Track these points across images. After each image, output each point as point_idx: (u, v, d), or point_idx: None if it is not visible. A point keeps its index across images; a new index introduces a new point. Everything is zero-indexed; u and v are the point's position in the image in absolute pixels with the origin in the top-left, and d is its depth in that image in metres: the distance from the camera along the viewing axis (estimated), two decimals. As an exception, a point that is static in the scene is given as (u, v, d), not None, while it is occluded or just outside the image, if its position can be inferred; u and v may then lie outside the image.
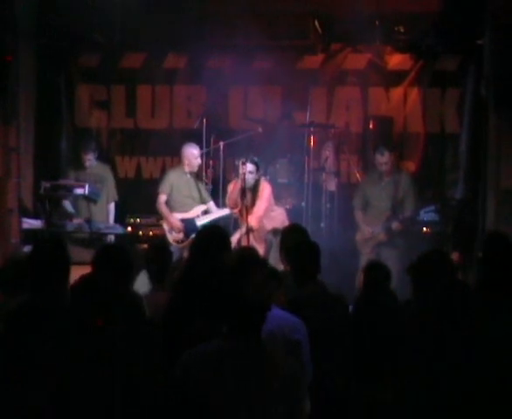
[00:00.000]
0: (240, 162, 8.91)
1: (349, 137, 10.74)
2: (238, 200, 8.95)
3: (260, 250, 8.30)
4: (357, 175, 10.39)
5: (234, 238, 8.57)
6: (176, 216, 9.40)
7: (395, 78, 10.65)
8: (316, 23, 10.30)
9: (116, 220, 10.06)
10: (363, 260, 8.95)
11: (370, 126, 10.45)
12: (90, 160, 9.98)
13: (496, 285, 4.60)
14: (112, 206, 10.12)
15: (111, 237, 9.44)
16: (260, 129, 10.10)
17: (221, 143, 9.86)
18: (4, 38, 8.58)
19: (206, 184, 9.98)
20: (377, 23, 9.99)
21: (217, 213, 9.42)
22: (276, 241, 8.42)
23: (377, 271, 5.57)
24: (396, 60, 10.61)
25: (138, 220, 10.20)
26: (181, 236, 9.33)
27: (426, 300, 4.28)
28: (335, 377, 4.56)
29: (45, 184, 9.07)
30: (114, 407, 3.68)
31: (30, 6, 9.67)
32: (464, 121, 10.32)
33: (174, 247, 9.02)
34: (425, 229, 9.38)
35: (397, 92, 10.64)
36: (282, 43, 10.49)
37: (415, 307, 4.59)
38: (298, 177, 10.00)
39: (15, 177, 9.04)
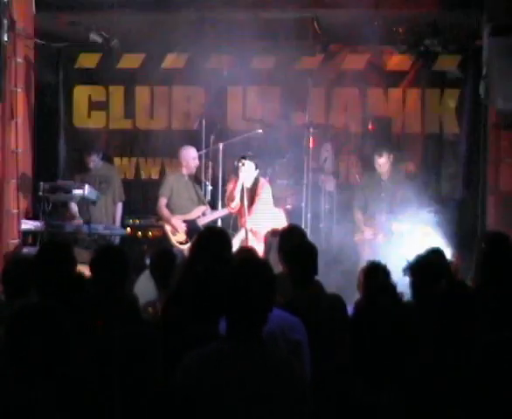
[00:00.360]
0: (240, 164, 8.90)
1: (348, 138, 10.76)
2: (237, 200, 8.95)
3: (260, 251, 8.29)
4: (356, 176, 10.40)
5: (234, 241, 8.55)
6: (178, 218, 9.38)
7: (394, 78, 10.67)
8: (315, 23, 10.30)
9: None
10: (363, 261, 8.95)
11: (369, 126, 10.47)
12: (94, 161, 9.95)
13: (496, 285, 4.61)
14: (119, 206, 10.06)
15: (115, 238, 9.42)
16: (259, 130, 10.10)
17: (220, 144, 9.86)
18: (4, 39, 8.58)
19: (206, 185, 9.97)
20: (375, 23, 9.98)
21: (218, 213, 9.40)
22: (275, 242, 8.41)
23: (376, 272, 5.57)
24: (395, 61, 10.62)
25: (137, 221, 10.20)
26: (184, 237, 9.32)
27: (425, 301, 4.28)
28: (334, 378, 4.58)
29: (44, 185, 9.06)
30: (114, 407, 3.68)
31: (29, 6, 9.65)
32: (463, 122, 10.33)
33: (177, 249, 9.02)
34: (424, 229, 9.37)
35: (395, 93, 10.65)
36: (281, 43, 10.48)
37: (414, 308, 4.59)
38: (297, 178, 10.01)
39: (13, 178, 9.03)
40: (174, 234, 9.37)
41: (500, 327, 4.22)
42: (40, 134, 10.43)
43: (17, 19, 8.90)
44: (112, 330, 3.93)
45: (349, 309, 5.21)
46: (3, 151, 8.78)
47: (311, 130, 10.00)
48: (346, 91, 10.83)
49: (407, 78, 10.61)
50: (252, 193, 8.96)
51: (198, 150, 9.73)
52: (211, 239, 5.12)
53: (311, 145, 9.96)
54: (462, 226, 9.49)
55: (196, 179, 9.76)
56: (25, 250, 8.63)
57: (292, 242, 5.64)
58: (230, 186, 9.17)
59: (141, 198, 10.49)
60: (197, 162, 9.57)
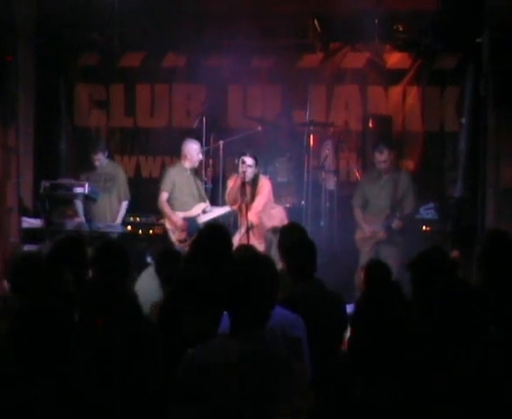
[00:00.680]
0: (240, 161, 8.91)
1: (349, 136, 10.75)
2: (238, 196, 8.95)
3: (260, 248, 8.29)
4: (357, 174, 10.40)
5: (234, 240, 8.56)
6: (179, 215, 9.38)
7: (394, 76, 10.66)
8: (315, 21, 10.31)
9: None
10: (363, 258, 8.96)
11: (370, 124, 10.46)
12: (100, 160, 9.97)
13: (498, 283, 4.61)
14: (124, 205, 10.07)
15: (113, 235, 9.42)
16: (260, 128, 10.11)
17: (221, 142, 9.86)
18: (4, 39, 8.59)
19: (206, 183, 9.97)
20: (376, 21, 9.99)
21: (218, 211, 9.40)
22: (276, 239, 8.42)
23: (377, 269, 5.58)
24: (395, 59, 10.61)
25: (138, 219, 10.19)
26: (184, 235, 9.32)
27: (425, 298, 4.28)
28: (333, 375, 4.58)
29: (45, 183, 9.08)
30: (114, 406, 3.68)
31: (29, 6, 9.67)
32: (463, 120, 10.32)
33: (177, 246, 9.02)
34: (424, 227, 9.39)
35: (396, 91, 10.64)
36: (281, 42, 10.49)
37: (415, 305, 4.59)
38: (297, 176, 10.01)
39: (14, 177, 9.04)
40: (173, 231, 9.37)
41: (500, 325, 4.23)
42: (41, 133, 10.46)
43: (17, 19, 8.90)
44: (112, 328, 3.93)
45: (350, 307, 5.22)
46: (4, 149, 8.79)
47: (311, 128, 10.01)
48: (346, 89, 10.83)
49: (407, 76, 10.60)
50: (253, 190, 8.97)
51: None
52: (212, 237, 5.12)
53: (311, 143, 9.97)
54: (462, 223, 9.49)
55: (197, 173, 9.73)
56: (26, 247, 8.63)
57: (291, 239, 5.65)
58: (230, 183, 9.17)
59: (142, 196, 10.47)
60: (200, 157, 9.56)
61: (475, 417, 3.60)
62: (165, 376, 3.76)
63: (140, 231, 10.13)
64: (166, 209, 9.41)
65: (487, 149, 8.82)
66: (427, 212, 9.17)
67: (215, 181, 10.03)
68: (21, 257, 5.60)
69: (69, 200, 9.52)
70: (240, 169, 8.88)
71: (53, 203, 9.23)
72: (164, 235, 9.51)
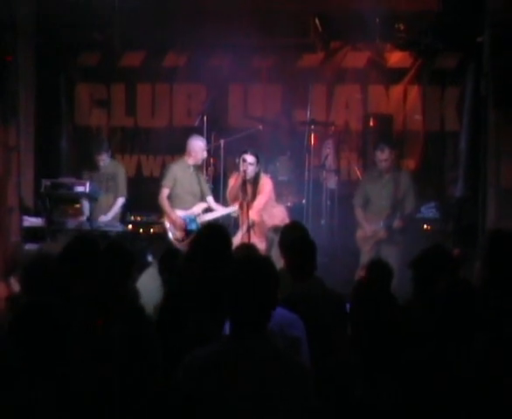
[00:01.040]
0: (241, 159, 8.91)
1: (349, 135, 10.77)
2: (239, 194, 8.94)
3: (261, 247, 8.29)
4: (357, 173, 10.41)
5: (236, 239, 8.56)
6: (178, 213, 9.36)
7: (395, 76, 10.67)
8: (316, 21, 10.31)
9: (120, 218, 10.03)
10: (364, 258, 8.97)
11: (370, 123, 10.47)
12: (104, 160, 9.98)
13: (499, 282, 4.61)
14: (119, 201, 10.04)
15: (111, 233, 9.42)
16: (261, 127, 10.10)
17: (221, 141, 9.84)
18: (4, 38, 8.59)
19: (207, 182, 9.96)
20: (376, 21, 9.99)
21: (218, 212, 9.36)
22: (277, 238, 8.42)
23: (378, 268, 5.58)
24: (395, 58, 10.63)
25: (138, 218, 10.17)
26: (182, 234, 9.30)
27: (428, 297, 4.29)
28: (333, 374, 4.58)
29: (46, 182, 9.09)
30: (114, 407, 3.68)
31: (29, 6, 9.66)
32: (464, 119, 10.33)
33: (175, 245, 9.01)
34: (425, 226, 9.39)
35: (396, 90, 10.66)
36: (282, 41, 10.49)
37: (416, 304, 4.59)
38: (298, 175, 10.01)
39: (15, 176, 9.04)
40: (171, 230, 9.34)
41: (501, 325, 4.23)
42: (42, 132, 10.46)
43: (17, 18, 8.90)
44: (112, 328, 3.93)
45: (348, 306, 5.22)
46: (5, 148, 8.79)
47: (312, 127, 10.01)
48: (347, 88, 10.84)
49: (408, 76, 10.61)
50: (254, 189, 8.97)
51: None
52: (211, 236, 5.11)
53: (312, 142, 9.98)
54: (463, 222, 9.49)
55: (199, 169, 9.68)
56: (27, 246, 8.64)
57: (292, 237, 5.65)
58: (231, 181, 9.17)
59: (143, 195, 10.47)
60: (205, 154, 9.52)
61: (475, 417, 3.60)
62: (165, 377, 3.75)
63: (141, 230, 10.11)
64: (166, 206, 9.38)
65: (487, 148, 8.82)
66: (428, 211, 9.18)
67: (216, 180, 10.02)
68: (35, 257, 5.60)
69: (70, 199, 9.52)
70: (241, 168, 8.87)
71: (54, 202, 9.23)
72: (165, 234, 9.49)
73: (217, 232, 5.20)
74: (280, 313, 4.35)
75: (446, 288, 3.90)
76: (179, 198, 9.39)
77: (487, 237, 5.76)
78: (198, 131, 9.96)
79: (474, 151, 9.71)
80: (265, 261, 3.51)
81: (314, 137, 10.01)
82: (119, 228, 9.56)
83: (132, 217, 10.13)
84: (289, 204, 9.73)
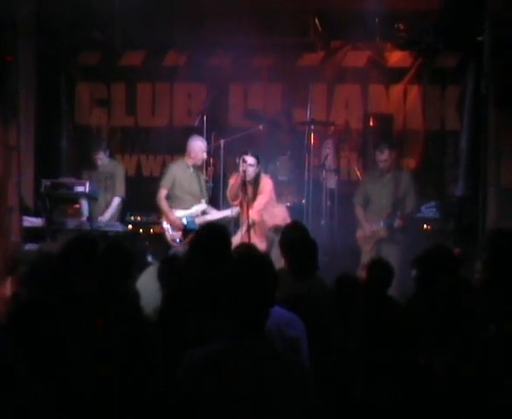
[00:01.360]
0: (241, 159, 8.90)
1: (350, 134, 10.77)
2: (239, 193, 8.94)
3: (262, 247, 8.29)
4: (357, 173, 10.41)
5: (236, 238, 8.54)
6: (177, 213, 9.34)
7: (395, 75, 10.67)
8: (316, 20, 10.32)
9: (118, 217, 10.02)
10: (364, 257, 8.97)
11: (370, 123, 10.46)
12: (102, 159, 9.97)
13: (500, 282, 4.60)
14: (115, 200, 10.03)
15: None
16: (261, 127, 10.10)
17: (221, 141, 9.83)
18: (4, 37, 8.58)
19: (207, 182, 9.95)
20: (376, 20, 9.99)
21: (217, 214, 9.34)
22: (277, 238, 8.41)
23: (379, 268, 5.57)
24: (396, 57, 10.63)
25: (138, 218, 10.18)
26: (180, 234, 9.29)
27: (429, 297, 4.28)
28: (333, 374, 4.58)
29: (46, 182, 9.08)
30: (114, 407, 3.68)
31: (29, 5, 9.66)
32: (464, 118, 10.33)
33: (172, 246, 9.01)
34: (425, 225, 9.39)
35: (397, 90, 10.65)
36: (282, 40, 10.50)
37: (418, 304, 4.59)
38: (298, 175, 10.01)
39: (15, 176, 9.03)
40: (168, 231, 9.33)
41: (501, 324, 4.22)
42: (42, 131, 10.45)
43: (17, 17, 8.90)
44: (112, 329, 3.93)
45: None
46: (5, 148, 8.78)
47: (312, 127, 10.00)
48: (347, 87, 10.84)
49: (408, 75, 10.61)
50: (255, 189, 8.96)
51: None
52: (211, 236, 5.11)
53: (312, 141, 9.96)
54: (464, 221, 9.49)
55: (199, 169, 9.66)
56: (27, 246, 8.63)
57: (293, 237, 5.65)
58: (232, 180, 9.18)
59: (143, 195, 10.45)
60: (205, 155, 9.51)
61: (475, 417, 3.60)
62: (165, 377, 3.75)
63: (140, 230, 10.12)
64: (164, 206, 9.37)
65: (487, 148, 8.82)
66: (429, 211, 9.17)
67: (216, 179, 10.02)
68: (36, 256, 5.60)
69: (70, 199, 9.51)
70: (241, 168, 8.87)
71: (54, 202, 9.22)
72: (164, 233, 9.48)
73: (216, 232, 5.19)
74: (279, 313, 4.35)
75: (446, 287, 3.90)
76: (178, 198, 9.39)
77: (487, 237, 5.77)
78: (198, 131, 9.95)
79: (475, 150, 9.70)
80: (263, 259, 3.51)
81: (314, 137, 10.01)
82: (119, 228, 9.55)
83: (132, 217, 10.14)
84: (289, 204, 9.73)
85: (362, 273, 6.11)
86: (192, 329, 4.24)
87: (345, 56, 10.79)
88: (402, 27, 10.17)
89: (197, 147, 9.39)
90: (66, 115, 11.15)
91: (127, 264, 4.97)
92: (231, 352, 3.28)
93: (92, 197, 9.35)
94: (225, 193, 9.40)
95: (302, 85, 10.49)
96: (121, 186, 10.08)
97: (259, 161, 8.96)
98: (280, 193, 9.56)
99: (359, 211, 9.51)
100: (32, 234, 9.02)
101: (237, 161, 9.17)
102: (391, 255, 8.44)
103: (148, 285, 5.86)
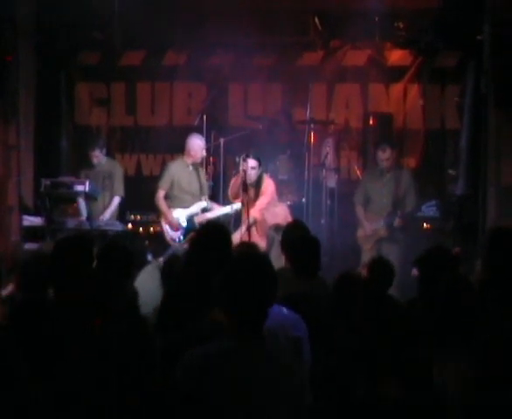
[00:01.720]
0: (241, 158, 8.91)
1: (349, 133, 10.77)
2: (240, 191, 8.94)
3: (262, 245, 8.29)
4: (357, 172, 10.41)
5: (236, 236, 8.55)
6: (175, 214, 9.33)
7: (395, 74, 10.66)
8: (316, 19, 10.32)
9: (117, 217, 10.01)
10: (365, 256, 8.97)
11: (370, 122, 10.45)
12: (98, 157, 9.92)
13: (501, 281, 4.60)
14: (115, 200, 10.01)
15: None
16: (260, 126, 10.09)
17: (221, 140, 9.83)
18: (4, 37, 8.59)
19: (207, 180, 9.95)
20: (376, 19, 9.99)
21: (217, 211, 9.34)
22: (277, 237, 8.41)
23: (380, 267, 5.57)
24: (395, 56, 10.62)
25: (138, 217, 10.19)
26: (178, 234, 9.29)
27: (429, 295, 4.28)
28: (335, 374, 4.58)
29: (46, 182, 9.08)
30: (113, 407, 3.67)
31: (29, 5, 9.66)
32: (464, 117, 10.32)
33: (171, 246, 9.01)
34: (425, 224, 9.39)
35: (397, 89, 10.65)
36: (282, 40, 10.51)
37: (419, 303, 4.59)
38: (298, 174, 10.01)
39: (15, 175, 9.04)
40: (168, 231, 9.33)
41: (501, 323, 4.22)
42: (42, 131, 10.44)
43: (19, 20, 8.90)
44: (110, 329, 3.92)
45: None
46: (5, 147, 8.79)
47: (312, 126, 10.00)
48: (347, 86, 10.83)
49: (408, 74, 10.61)
50: (257, 190, 8.97)
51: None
52: (210, 235, 5.10)
53: (312, 141, 9.96)
54: (464, 220, 9.49)
55: (199, 166, 9.64)
56: (27, 246, 8.63)
57: (295, 237, 5.65)
58: (233, 180, 9.20)
59: (143, 194, 10.45)
60: (204, 153, 9.49)
61: (476, 417, 3.60)
62: (164, 377, 3.75)
63: (140, 229, 10.13)
64: (162, 206, 9.36)
65: (487, 147, 8.82)
66: (429, 210, 9.16)
67: (215, 178, 10.01)
68: (30, 255, 5.60)
69: (70, 198, 9.50)
70: (241, 167, 8.87)
71: (54, 202, 9.22)
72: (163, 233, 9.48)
73: (216, 231, 5.19)
74: (283, 314, 4.35)
75: (445, 286, 3.90)
76: (178, 198, 9.38)
77: (487, 236, 5.76)
78: (198, 130, 9.94)
79: (475, 149, 9.70)
80: (262, 259, 3.50)
81: (314, 136, 10.00)
82: (118, 227, 9.54)
83: (132, 216, 10.14)
84: (289, 203, 9.72)
85: (362, 272, 6.09)
86: (191, 329, 4.24)
87: (345, 55, 10.79)
88: (402, 26, 10.18)
89: (196, 145, 9.38)
90: (66, 115, 11.15)
91: (125, 263, 4.98)
92: (230, 351, 3.28)
93: (91, 197, 9.34)
94: (225, 192, 9.41)
95: (302, 85, 10.48)
96: (120, 185, 10.06)
97: (260, 164, 8.97)
98: (280, 192, 9.56)
99: (359, 210, 9.50)
100: (32, 233, 9.02)
101: (237, 160, 9.17)
102: (391, 254, 8.44)
103: (146, 284, 5.87)
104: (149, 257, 8.61)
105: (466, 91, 10.26)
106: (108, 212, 9.88)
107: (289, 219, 8.66)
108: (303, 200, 9.81)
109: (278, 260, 6.25)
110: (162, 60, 11.02)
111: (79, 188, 9.18)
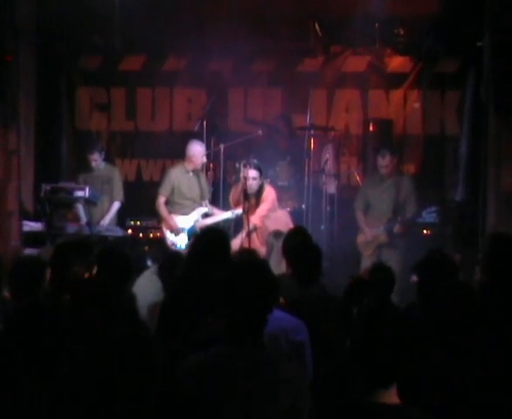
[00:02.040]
0: (242, 164, 8.91)
1: (349, 139, 10.79)
2: (241, 198, 8.95)
3: (262, 251, 8.28)
4: (357, 178, 10.42)
5: (236, 242, 8.55)
6: (177, 219, 9.34)
7: (395, 80, 10.68)
8: (316, 25, 10.33)
9: (117, 222, 10.01)
10: (365, 262, 8.95)
11: (370, 128, 10.46)
12: (96, 160, 9.90)
13: (501, 286, 4.61)
14: (115, 205, 9.99)
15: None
16: (260, 132, 10.11)
17: (221, 146, 9.83)
18: (4, 42, 8.59)
19: (207, 185, 9.95)
20: (376, 25, 10.01)
21: (218, 216, 9.34)
22: (277, 243, 8.40)
23: (381, 273, 5.57)
24: (396, 63, 10.65)
25: (138, 222, 10.18)
26: (180, 240, 9.29)
27: (428, 301, 4.28)
28: (336, 379, 4.58)
29: (46, 187, 9.07)
30: (113, 411, 3.67)
31: (29, 10, 9.67)
32: (464, 123, 10.34)
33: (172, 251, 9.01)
34: (425, 231, 9.40)
35: (397, 95, 10.67)
36: (282, 45, 10.52)
37: (418, 309, 4.59)
38: (298, 180, 10.01)
39: (15, 180, 9.03)
40: (169, 236, 9.33)
41: (501, 328, 4.23)
42: (42, 136, 10.45)
43: (19, 21, 8.91)
44: (109, 333, 3.93)
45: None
46: (5, 152, 8.79)
47: (312, 132, 10.01)
48: (347, 92, 10.85)
49: (408, 80, 10.63)
50: (258, 198, 8.97)
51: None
52: (209, 241, 5.11)
53: (312, 147, 9.97)
54: (463, 226, 9.50)
55: (200, 172, 9.63)
56: (27, 251, 8.63)
57: (296, 243, 5.65)
58: (233, 188, 9.22)
59: (143, 199, 10.45)
60: (204, 159, 9.49)
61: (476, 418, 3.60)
62: (164, 380, 3.75)
63: (140, 235, 10.13)
64: (163, 212, 9.37)
65: (487, 153, 8.82)
66: (430, 216, 9.15)
67: (215, 184, 10.01)
68: (19, 260, 5.61)
69: (70, 203, 9.49)
70: (242, 174, 8.88)
71: (54, 207, 9.20)
72: (164, 239, 9.48)
73: (215, 237, 5.20)
74: (285, 319, 4.37)
75: (445, 292, 3.90)
76: (178, 204, 9.38)
77: (486, 241, 5.77)
78: (198, 135, 9.95)
79: (474, 155, 9.71)
80: (261, 266, 3.51)
81: (314, 142, 10.01)
82: (118, 232, 9.54)
83: (131, 222, 10.14)
84: (289, 209, 9.72)
85: (364, 278, 6.08)
86: (191, 334, 4.24)
87: (345, 61, 10.81)
88: (402, 32, 10.20)
89: (197, 151, 9.38)
90: (66, 120, 11.15)
91: (124, 268, 4.99)
92: (229, 357, 3.28)
93: (91, 202, 9.34)
94: (225, 197, 9.41)
95: (302, 90, 10.50)
96: (119, 190, 10.06)
97: (261, 174, 8.97)
98: (280, 198, 9.55)
99: (360, 216, 9.49)
100: (32, 238, 9.02)
101: (237, 166, 9.18)
102: (391, 260, 8.41)
103: (145, 288, 5.89)
104: (149, 263, 8.61)
105: (465, 97, 10.28)
106: (108, 218, 9.87)
107: (290, 225, 8.65)
108: (303, 206, 9.82)
109: (277, 266, 6.26)
110: (162, 66, 11.03)
111: (80, 193, 9.16)
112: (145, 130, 11.24)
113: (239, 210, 9.04)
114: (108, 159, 10.66)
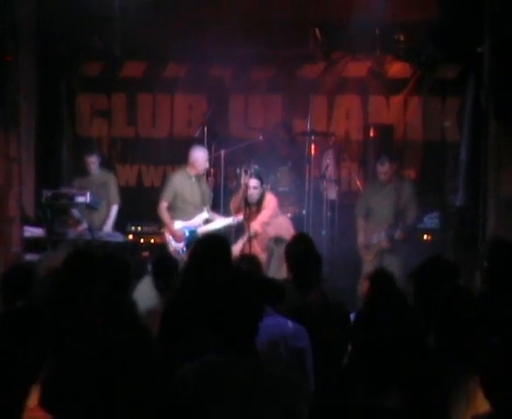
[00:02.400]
0: (242, 170, 8.92)
1: (350, 145, 10.79)
2: (242, 205, 8.96)
3: (263, 257, 8.29)
4: (358, 183, 10.42)
5: (237, 247, 8.56)
6: (179, 224, 9.34)
7: (395, 86, 10.69)
8: (316, 31, 10.35)
9: (117, 227, 10.02)
10: (366, 267, 8.96)
11: (371, 134, 10.47)
12: (94, 163, 9.93)
13: (500, 291, 4.61)
14: (114, 209, 10.03)
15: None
16: (261, 137, 10.12)
17: (222, 152, 9.86)
18: (4, 42, 8.61)
19: (208, 189, 9.96)
20: (377, 31, 10.02)
21: (219, 222, 9.34)
22: (278, 249, 8.42)
23: (382, 278, 5.58)
24: (396, 69, 10.65)
25: (139, 228, 10.19)
26: (181, 245, 9.30)
27: (428, 307, 4.28)
28: (337, 385, 4.58)
29: (47, 192, 9.07)
30: (113, 408, 3.68)
31: (29, 10, 9.68)
32: (464, 130, 10.34)
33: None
34: (425, 236, 9.40)
35: (397, 101, 10.67)
36: (282, 52, 10.53)
37: (417, 314, 4.59)
38: (299, 185, 10.01)
39: (16, 186, 9.06)
40: (171, 242, 9.34)
41: (501, 333, 4.23)
42: (43, 142, 10.46)
43: (19, 26, 8.93)
44: (109, 337, 3.93)
45: (352, 316, 5.22)
46: (6, 158, 8.80)
47: (312, 137, 10.02)
48: (347, 98, 10.86)
49: (409, 86, 10.63)
50: (259, 207, 8.99)
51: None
52: (210, 247, 5.11)
53: (313, 152, 9.98)
54: (464, 231, 9.50)
55: (202, 178, 9.66)
56: (28, 257, 8.63)
57: (297, 250, 5.66)
58: (234, 196, 9.24)
59: (144, 205, 10.47)
60: (207, 165, 9.53)
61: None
62: (162, 386, 3.76)
63: (141, 240, 10.13)
64: (165, 218, 9.39)
65: (487, 159, 8.84)
66: (431, 221, 9.15)
67: (216, 190, 10.03)
68: (12, 267, 5.63)
69: (71, 209, 9.52)
70: (242, 180, 8.89)
71: (55, 212, 9.21)
72: (165, 245, 9.49)
73: (215, 242, 5.20)
74: (285, 325, 4.37)
75: (445, 297, 3.90)
76: (180, 209, 9.40)
77: (487, 247, 5.77)
78: (199, 141, 9.97)
79: (474, 161, 9.72)
80: (252, 276, 3.54)
81: (315, 147, 10.02)
82: (119, 238, 9.55)
83: (132, 227, 10.15)
84: (289, 215, 9.73)
85: (363, 284, 6.09)
86: (191, 340, 4.24)
87: (345, 67, 10.82)
88: (402, 38, 10.21)
89: (201, 157, 9.41)
90: (67, 126, 11.15)
91: (124, 274, 5.00)
92: (222, 365, 3.30)
93: (92, 207, 9.35)
94: (226, 203, 9.42)
95: (302, 96, 10.52)
96: (116, 195, 10.10)
97: (262, 182, 8.98)
98: (280, 204, 9.57)
99: (360, 223, 9.50)
100: (33, 244, 9.03)
101: (237, 171, 9.18)
102: (392, 265, 8.41)
103: (145, 293, 5.90)
104: (149, 268, 8.62)
105: (466, 103, 10.28)
106: (109, 223, 9.90)
107: (292, 231, 8.66)
108: (304, 212, 9.82)
109: (278, 272, 6.29)
110: (162, 72, 11.04)
111: (81, 199, 9.17)
112: (146, 136, 11.24)
113: (240, 217, 9.06)
114: (109, 165, 10.70)
